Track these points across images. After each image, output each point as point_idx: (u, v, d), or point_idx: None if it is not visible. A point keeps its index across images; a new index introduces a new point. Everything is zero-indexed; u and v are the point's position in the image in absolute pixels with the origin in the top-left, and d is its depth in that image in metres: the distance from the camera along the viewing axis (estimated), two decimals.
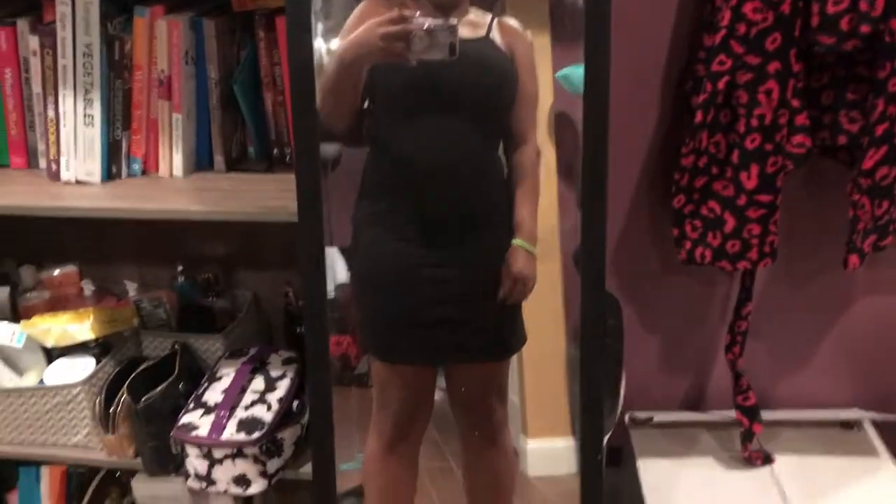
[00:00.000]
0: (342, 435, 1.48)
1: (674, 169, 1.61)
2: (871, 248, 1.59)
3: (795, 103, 1.51)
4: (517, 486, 1.54)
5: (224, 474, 1.48)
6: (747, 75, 1.49)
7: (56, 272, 1.81)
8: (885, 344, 1.81)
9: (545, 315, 1.48)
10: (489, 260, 1.40)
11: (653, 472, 1.71)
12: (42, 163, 1.57)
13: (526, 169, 1.40)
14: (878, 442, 1.76)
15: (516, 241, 1.38)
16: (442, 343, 1.42)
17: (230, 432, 1.48)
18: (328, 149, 1.46)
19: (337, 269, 1.50)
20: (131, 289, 1.79)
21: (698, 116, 1.53)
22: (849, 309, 1.80)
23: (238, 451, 1.47)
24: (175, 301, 1.76)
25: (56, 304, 1.76)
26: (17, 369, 1.68)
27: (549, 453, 1.55)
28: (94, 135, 1.50)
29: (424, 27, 1.19)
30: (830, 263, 1.65)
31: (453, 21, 1.22)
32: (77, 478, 1.79)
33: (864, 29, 1.40)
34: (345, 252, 1.49)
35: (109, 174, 1.54)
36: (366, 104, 1.35)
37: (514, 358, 1.51)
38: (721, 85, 1.50)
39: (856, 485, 1.66)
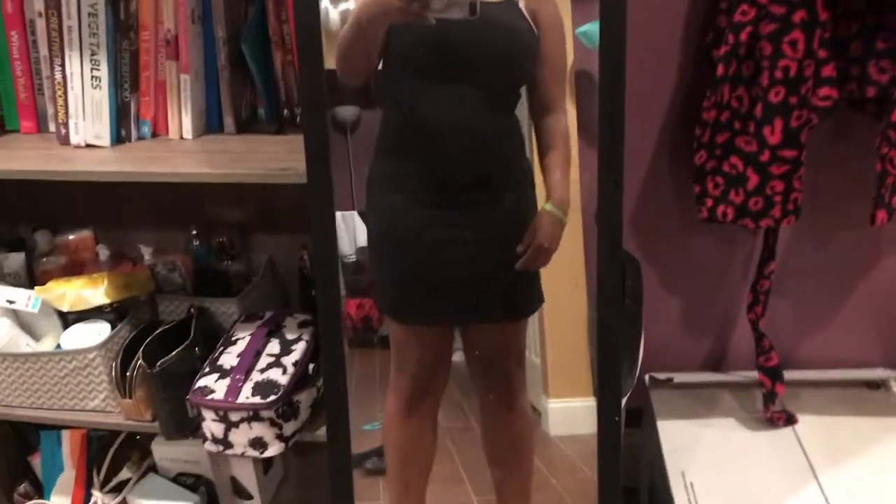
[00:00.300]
0: (365, 396, 1.48)
1: (695, 124, 1.57)
2: None
3: (822, 54, 1.46)
4: (538, 445, 1.53)
5: (241, 437, 1.49)
6: (771, 25, 1.43)
7: (71, 237, 1.81)
8: None
9: (566, 274, 1.46)
10: (505, 221, 1.38)
11: (673, 433, 1.70)
12: (52, 127, 1.56)
13: (555, 136, 1.38)
14: None
15: (546, 207, 1.36)
16: (456, 303, 1.41)
17: (246, 395, 1.47)
18: (348, 111, 1.44)
19: (359, 232, 1.49)
20: (146, 253, 1.78)
21: (720, 69, 1.49)
22: (875, 267, 1.76)
23: (254, 415, 1.47)
24: (190, 265, 1.75)
25: (72, 269, 1.76)
26: (34, 334, 1.68)
27: (570, 413, 1.54)
28: (101, 97, 1.48)
29: None
30: (856, 220, 1.61)
31: None
32: (97, 441, 1.81)
33: None
34: (363, 212, 1.47)
35: (119, 137, 1.53)
36: (380, 65, 1.32)
37: (535, 318, 1.50)
38: (744, 36, 1.45)
39: (881, 445, 1.64)
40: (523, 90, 1.37)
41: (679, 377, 1.80)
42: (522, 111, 1.40)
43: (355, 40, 1.26)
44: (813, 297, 1.79)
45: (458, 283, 1.39)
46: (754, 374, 1.72)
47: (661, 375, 1.81)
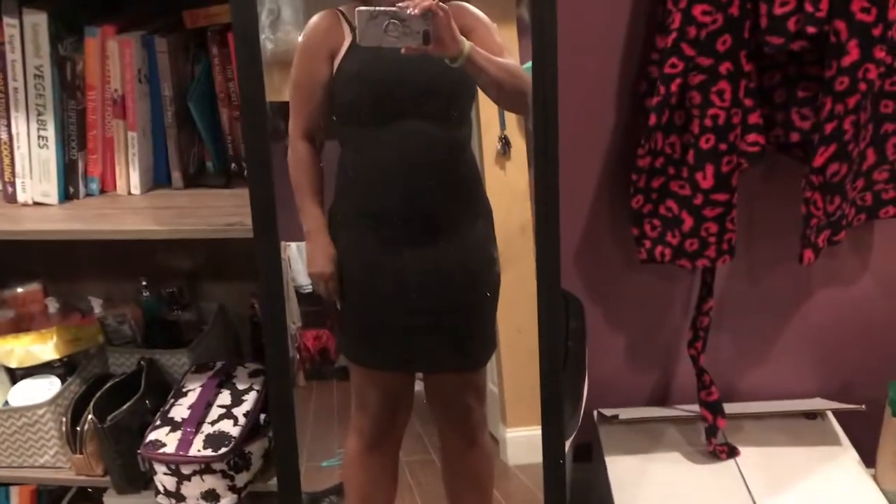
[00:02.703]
0: (323, 431, 1.48)
1: (631, 170, 1.63)
2: (826, 243, 1.62)
3: (748, 102, 1.53)
4: (496, 475, 1.54)
5: (193, 490, 1.49)
6: (699, 77, 1.50)
7: (20, 290, 1.80)
8: (844, 334, 1.84)
9: (523, 307, 1.49)
10: (462, 267, 1.39)
11: (620, 468, 1.74)
12: None
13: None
14: (840, 431, 1.80)
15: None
16: (415, 351, 1.42)
17: (197, 448, 1.48)
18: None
19: None
20: (96, 305, 1.78)
21: (653, 118, 1.55)
22: (808, 301, 1.83)
23: (206, 467, 1.48)
24: (140, 316, 1.76)
25: (21, 322, 1.75)
26: None
27: (527, 442, 1.56)
28: (49, 156, 1.50)
29: (399, 15, 1.18)
30: (788, 258, 1.68)
31: (427, 8, 1.18)
32: (48, 495, 1.79)
33: (811, 30, 1.42)
34: None
35: (67, 194, 1.54)
36: (333, 117, 1.35)
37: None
38: (674, 87, 1.51)
39: (819, 474, 1.70)
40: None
41: (625, 413, 1.85)
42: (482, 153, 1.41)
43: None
44: (751, 332, 1.86)
45: (418, 331, 1.39)
46: (698, 408, 1.78)
47: (608, 412, 1.85)
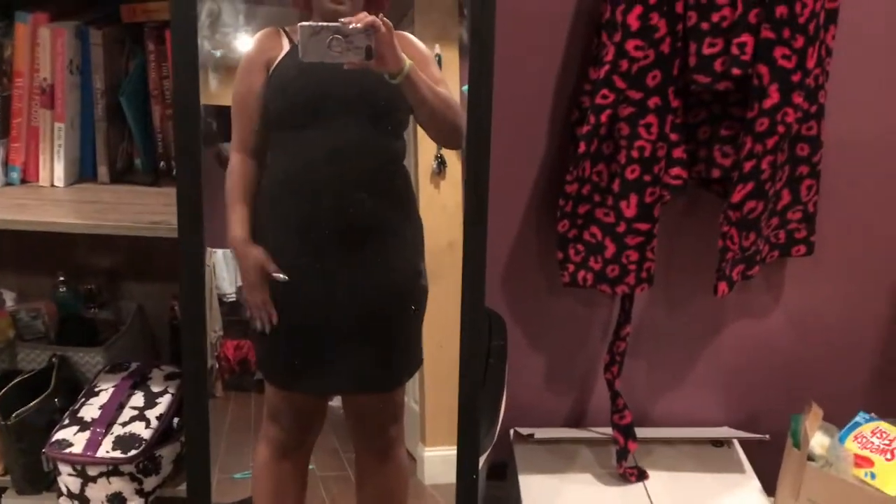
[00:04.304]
0: (238, 442, 1.47)
1: (559, 195, 1.66)
2: (740, 277, 1.68)
3: (673, 137, 1.59)
4: (411, 494, 1.54)
5: (98, 493, 1.46)
6: (629, 109, 1.55)
7: None
8: (753, 367, 1.91)
9: (446, 327, 1.50)
10: (384, 287, 1.39)
11: (533, 487, 1.76)
12: None
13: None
14: (744, 460, 1.86)
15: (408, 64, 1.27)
16: (336, 373, 1.41)
17: (105, 450, 1.45)
18: (224, 146, 1.44)
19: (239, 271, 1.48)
20: (9, 298, 1.73)
21: (582, 146, 1.59)
22: (721, 333, 1.89)
23: (113, 469, 1.45)
24: (55, 312, 1.71)
25: None
26: None
27: (445, 461, 1.57)
28: None
29: (342, 30, 1.18)
30: (705, 289, 1.73)
31: (371, 23, 1.20)
32: None
33: (736, 72, 1.48)
34: None
35: None
36: (256, 126, 1.35)
37: None
38: (604, 118, 1.56)
39: (722, 500, 1.75)
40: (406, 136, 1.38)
41: (540, 432, 1.87)
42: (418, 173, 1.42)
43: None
44: (665, 360, 1.91)
45: (337, 347, 1.38)
46: (611, 431, 1.82)
47: (524, 430, 1.88)
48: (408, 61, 1.26)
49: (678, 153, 1.61)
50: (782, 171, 1.62)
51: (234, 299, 1.48)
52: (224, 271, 1.49)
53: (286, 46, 1.33)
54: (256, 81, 1.33)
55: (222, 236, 1.35)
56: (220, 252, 1.44)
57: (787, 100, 1.50)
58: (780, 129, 1.52)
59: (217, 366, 1.50)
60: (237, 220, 1.35)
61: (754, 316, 1.88)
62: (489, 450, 1.51)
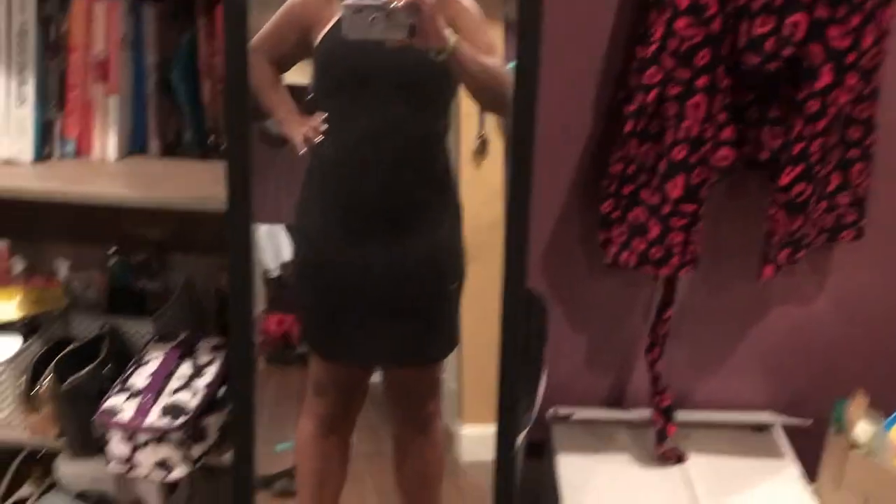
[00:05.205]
0: (280, 414, 1.49)
1: (604, 175, 1.66)
2: (786, 260, 1.66)
3: (721, 118, 1.56)
4: (448, 471, 1.57)
5: (146, 458, 1.50)
6: (676, 88, 1.53)
7: None
8: (797, 351, 1.89)
9: (486, 304, 1.51)
10: (428, 259, 1.40)
11: (571, 467, 1.77)
12: None
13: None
14: (785, 445, 1.84)
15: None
16: (377, 347, 1.43)
17: (154, 417, 1.49)
18: (268, 124, 1.46)
19: (283, 246, 1.50)
20: (63, 268, 1.78)
21: (628, 125, 1.58)
22: (764, 316, 1.87)
23: (161, 436, 1.48)
24: (106, 282, 1.76)
25: None
26: None
27: (482, 439, 1.58)
28: (25, 114, 1.49)
29: (384, 8, 1.19)
30: (749, 272, 1.71)
31: (413, 1, 1.19)
32: None
33: (786, 52, 1.46)
34: (290, 229, 1.49)
35: (42, 154, 1.53)
36: (309, 96, 1.36)
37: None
38: (651, 97, 1.54)
39: (762, 485, 1.74)
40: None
41: (579, 413, 1.88)
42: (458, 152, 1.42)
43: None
44: (707, 343, 1.89)
45: (378, 326, 1.40)
46: (650, 412, 1.81)
47: (563, 410, 1.88)
48: (452, 38, 1.26)
49: (726, 134, 1.58)
50: (832, 153, 1.59)
51: (277, 275, 1.50)
52: (268, 245, 1.51)
53: (337, 13, 1.32)
54: (303, 28, 1.34)
55: (266, 211, 1.37)
56: (263, 228, 1.46)
57: (839, 81, 1.47)
58: (832, 111, 1.49)
59: (260, 340, 1.53)
60: (279, 104, 1.37)
61: (799, 300, 1.86)
62: (527, 428, 1.52)
